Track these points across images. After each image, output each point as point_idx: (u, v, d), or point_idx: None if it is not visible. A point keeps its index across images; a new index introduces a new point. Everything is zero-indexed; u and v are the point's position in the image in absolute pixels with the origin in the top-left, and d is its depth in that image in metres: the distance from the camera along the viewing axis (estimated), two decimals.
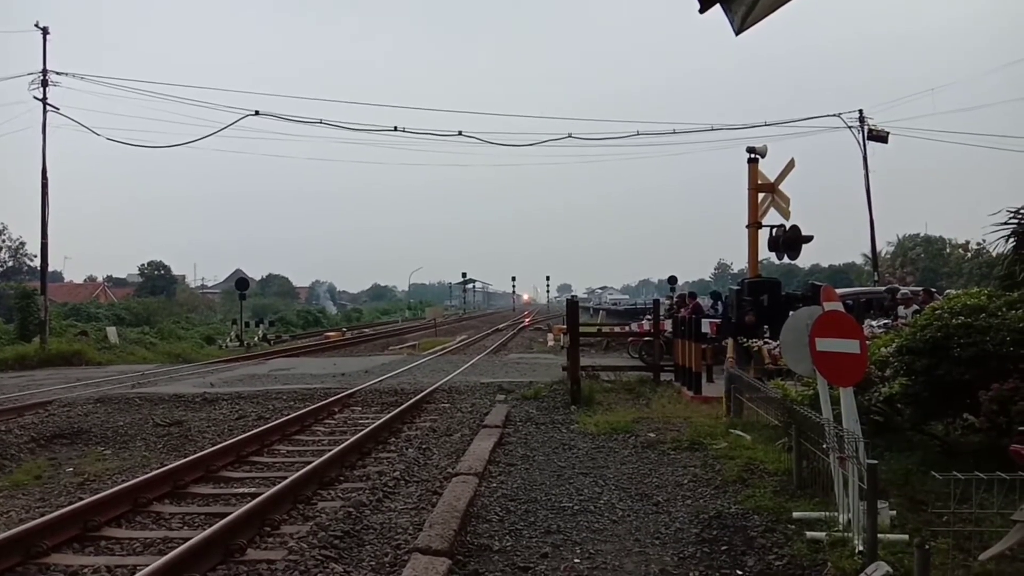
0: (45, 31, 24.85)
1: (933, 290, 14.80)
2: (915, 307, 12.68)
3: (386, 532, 5.54)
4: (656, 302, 19.03)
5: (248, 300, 37.85)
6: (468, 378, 15.45)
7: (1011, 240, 8.82)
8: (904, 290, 15.12)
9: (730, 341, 12.13)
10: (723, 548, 5.07)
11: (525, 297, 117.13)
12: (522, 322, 50.72)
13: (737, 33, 3.00)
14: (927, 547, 3.65)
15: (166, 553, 4.90)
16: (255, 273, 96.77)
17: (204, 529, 5.52)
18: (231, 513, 5.72)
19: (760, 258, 14.66)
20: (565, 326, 16.35)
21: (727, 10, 2.89)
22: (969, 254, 50.18)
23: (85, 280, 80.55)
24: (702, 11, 2.85)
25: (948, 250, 57.61)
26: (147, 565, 4.66)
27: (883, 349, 7.29)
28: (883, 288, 17.38)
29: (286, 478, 6.86)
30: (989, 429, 5.90)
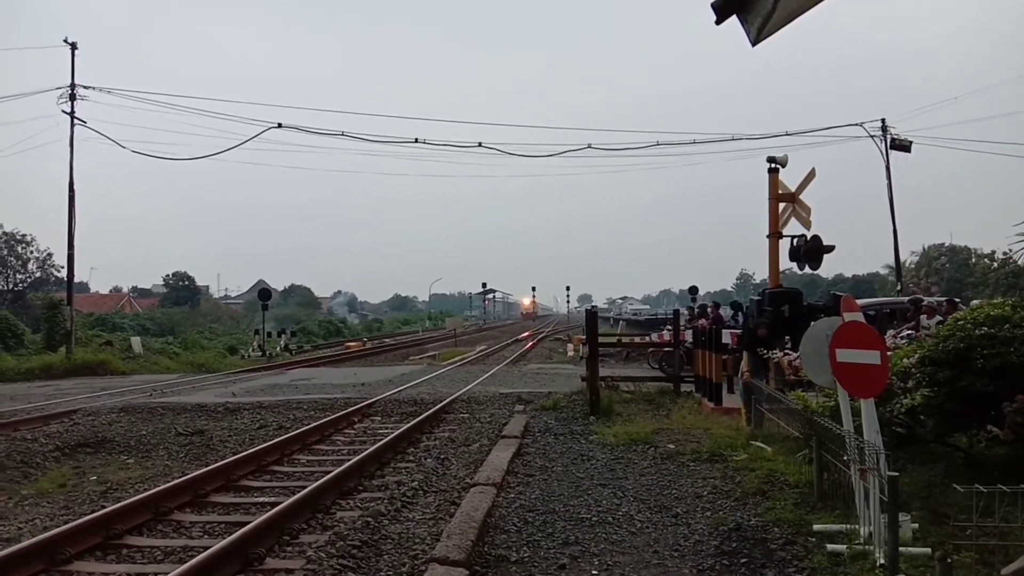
0: (74, 46, 25.34)
1: (957, 300, 14.56)
2: (938, 318, 12.51)
3: (404, 542, 5.56)
4: (676, 312, 18.92)
5: (270, 310, 38.09)
6: (487, 388, 15.46)
7: None
8: (927, 300, 14.92)
9: (745, 353, 12.04)
10: (743, 561, 5.03)
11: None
12: (539, 333, 48.24)
13: (754, 44, 3.00)
14: (949, 561, 3.60)
15: (186, 561, 4.96)
16: (278, 284, 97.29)
17: (224, 538, 5.59)
18: (251, 522, 5.77)
19: (782, 268, 14.53)
20: (584, 336, 16.31)
21: (743, 21, 2.89)
22: (995, 264, 49.37)
23: (110, 291, 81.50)
24: (719, 22, 2.86)
25: (974, 260, 56.63)
26: (167, 573, 4.72)
27: (905, 360, 7.20)
28: (906, 299, 17.15)
29: (305, 487, 6.92)
30: (1014, 441, 5.83)
